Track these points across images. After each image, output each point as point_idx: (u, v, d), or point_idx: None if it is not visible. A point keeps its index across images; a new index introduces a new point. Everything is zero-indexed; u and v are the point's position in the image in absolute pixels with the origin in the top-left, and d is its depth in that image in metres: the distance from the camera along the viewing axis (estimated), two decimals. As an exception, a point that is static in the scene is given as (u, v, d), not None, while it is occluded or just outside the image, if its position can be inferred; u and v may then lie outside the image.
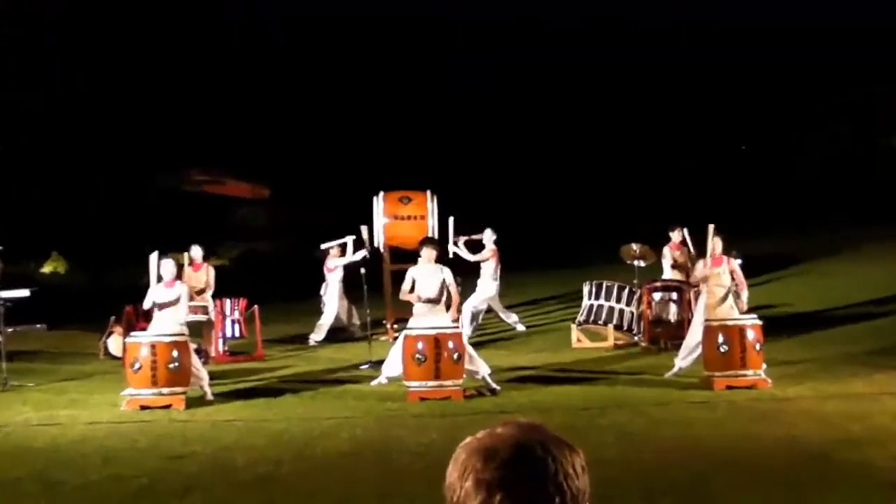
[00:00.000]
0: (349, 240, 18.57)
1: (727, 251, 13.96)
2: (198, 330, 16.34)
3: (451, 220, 18.46)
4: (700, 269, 13.82)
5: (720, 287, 13.61)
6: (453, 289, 13.47)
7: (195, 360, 13.14)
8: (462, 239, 18.55)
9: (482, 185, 30.72)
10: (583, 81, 33.38)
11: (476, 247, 18.67)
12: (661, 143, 33.39)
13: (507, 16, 33.56)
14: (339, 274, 18.77)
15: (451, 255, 17.92)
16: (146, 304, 13.46)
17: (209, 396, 13.13)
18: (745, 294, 13.80)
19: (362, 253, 18.27)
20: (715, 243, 13.74)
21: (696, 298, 14.83)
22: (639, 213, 29.21)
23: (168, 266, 13.34)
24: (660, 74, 33.27)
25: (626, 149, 33.49)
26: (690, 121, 33.31)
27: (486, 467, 1.93)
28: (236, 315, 17.83)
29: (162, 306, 13.18)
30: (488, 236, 18.58)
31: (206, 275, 17.22)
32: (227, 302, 17.81)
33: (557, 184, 32.97)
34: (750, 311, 14.10)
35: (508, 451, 1.95)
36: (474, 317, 18.32)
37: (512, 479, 1.92)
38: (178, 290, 13.31)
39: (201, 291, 16.71)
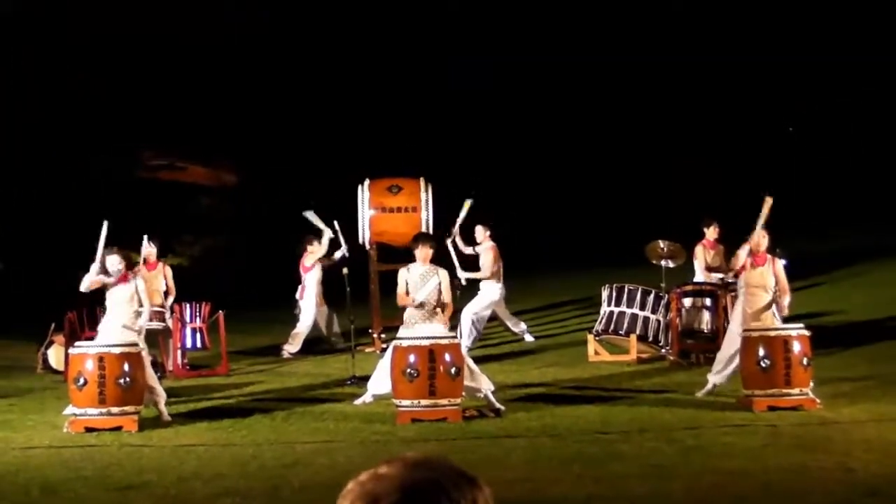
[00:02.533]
0: (327, 234, 18.46)
1: (771, 250, 13.96)
2: (153, 340, 16.31)
3: (468, 202, 18.38)
4: (741, 260, 13.77)
5: (762, 290, 13.60)
6: (447, 295, 13.46)
7: (150, 376, 13.11)
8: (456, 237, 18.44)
9: (484, 180, 30.99)
10: (585, 81, 34.21)
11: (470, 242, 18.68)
12: (680, 138, 33.83)
13: (508, 16, 34.57)
14: (318, 274, 18.72)
15: (450, 240, 17.97)
16: (85, 284, 13.22)
17: (166, 417, 13.11)
18: (787, 299, 13.81)
19: (327, 235, 18.25)
20: (760, 237, 13.73)
21: (733, 304, 14.82)
22: (664, 206, 29.24)
23: (115, 262, 13.22)
24: (662, 73, 34.01)
25: (637, 145, 33.97)
26: (704, 117, 33.85)
27: None
28: (198, 322, 17.79)
29: (112, 309, 13.09)
30: (481, 234, 18.52)
31: (162, 276, 17.19)
32: (187, 307, 17.76)
33: (570, 180, 33.39)
34: (797, 318, 14.10)
35: (393, 494, 1.95)
36: (475, 325, 18.30)
37: None
38: (132, 284, 13.23)
39: (164, 297, 16.72)
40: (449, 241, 18.02)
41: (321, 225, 18.48)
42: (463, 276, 18.03)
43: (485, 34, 34.45)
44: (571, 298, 23.17)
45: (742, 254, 13.86)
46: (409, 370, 12.63)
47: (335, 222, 18.28)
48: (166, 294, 17.12)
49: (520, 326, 19.28)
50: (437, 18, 34.66)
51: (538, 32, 34.69)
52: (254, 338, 20.40)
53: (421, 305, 13.30)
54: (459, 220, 18.39)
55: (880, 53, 31.90)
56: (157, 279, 17.01)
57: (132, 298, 13.19)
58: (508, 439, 11.49)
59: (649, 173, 33.21)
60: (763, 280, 13.66)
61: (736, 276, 14.22)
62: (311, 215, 18.46)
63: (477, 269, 18.31)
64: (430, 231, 17.95)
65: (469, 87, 34.08)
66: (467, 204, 18.46)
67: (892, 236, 25.67)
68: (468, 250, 18.51)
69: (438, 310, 13.36)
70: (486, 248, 18.41)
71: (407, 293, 13.38)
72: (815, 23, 33.10)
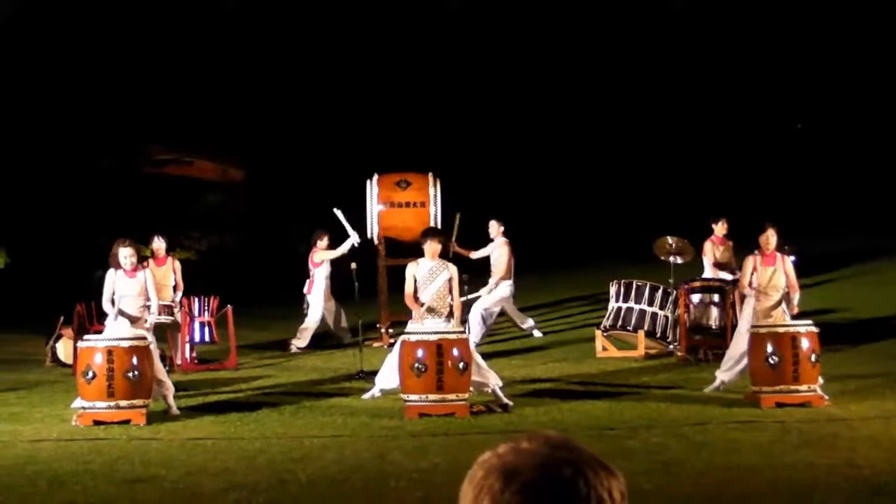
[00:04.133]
0: (350, 240, 18.40)
1: (780, 247, 13.94)
2: (161, 333, 16.32)
3: (458, 217, 18.39)
4: (748, 277, 13.76)
5: (773, 290, 13.58)
6: (456, 293, 13.46)
7: (160, 369, 13.12)
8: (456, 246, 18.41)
9: (492, 172, 30.89)
10: (593, 74, 34.14)
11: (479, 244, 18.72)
12: (695, 131, 33.73)
13: (512, 11, 34.63)
14: (326, 270, 18.75)
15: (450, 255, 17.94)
16: (106, 303, 13.27)
17: (174, 411, 13.12)
18: (797, 296, 13.79)
19: (351, 241, 18.25)
20: (768, 237, 13.71)
21: (742, 301, 14.82)
22: (672, 203, 29.19)
23: (126, 254, 13.22)
24: (670, 67, 33.95)
25: (652, 137, 33.84)
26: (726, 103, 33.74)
27: (506, 489, 1.93)
28: (206, 317, 17.81)
29: (122, 312, 13.05)
30: (494, 229, 18.56)
31: (171, 271, 17.18)
32: (196, 301, 17.78)
33: (577, 172, 33.29)
34: (805, 315, 14.07)
35: (532, 471, 1.94)
36: (484, 321, 18.30)
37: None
38: (141, 278, 13.24)
39: (173, 290, 16.72)
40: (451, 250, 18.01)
41: (348, 229, 18.38)
42: (476, 255, 18.17)
43: (488, 28, 34.43)
44: (579, 294, 23.15)
45: (747, 269, 13.84)
46: (417, 365, 12.64)
47: (336, 211, 18.25)
48: (175, 288, 17.13)
49: (527, 323, 19.28)
50: (438, 15, 34.66)
51: (541, 27, 34.66)
52: (262, 332, 20.41)
53: (431, 309, 13.30)
54: (454, 236, 18.33)
55: (888, 47, 31.85)
56: (166, 274, 17.01)
57: (140, 293, 13.19)
58: (516, 434, 11.44)
59: (657, 169, 33.14)
60: (774, 280, 13.64)
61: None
62: (339, 214, 18.35)
63: (488, 266, 18.34)
64: (439, 226, 17.96)
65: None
66: (457, 218, 18.46)
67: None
68: (476, 255, 18.54)
69: (447, 307, 13.34)
70: (499, 244, 18.42)
71: (415, 289, 13.38)
72: (822, 17, 33.03)
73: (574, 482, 1.92)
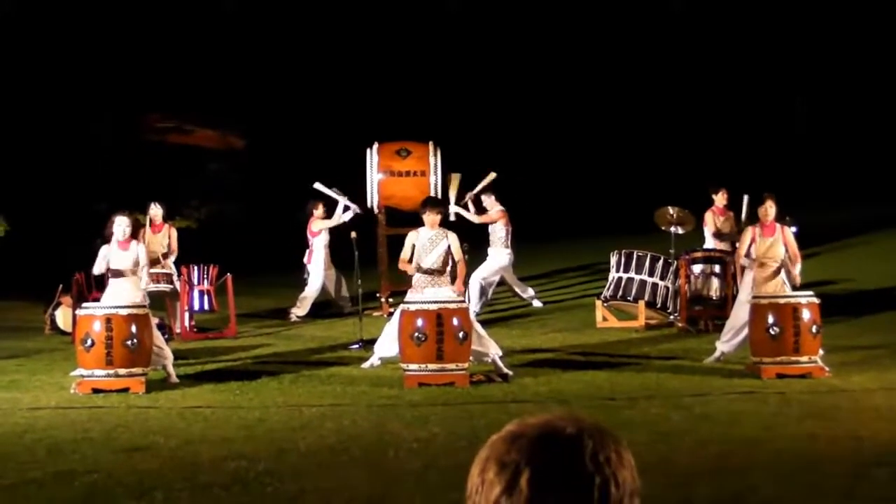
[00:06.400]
0: (341, 202, 18.39)
1: (780, 218, 13.88)
2: (160, 302, 16.31)
3: (457, 176, 18.37)
4: (745, 255, 13.73)
5: (772, 260, 13.55)
6: (459, 257, 13.43)
7: (157, 337, 13.09)
8: (470, 195, 18.41)
9: (493, 142, 30.85)
10: (594, 47, 34.06)
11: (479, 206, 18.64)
12: (700, 99, 33.65)
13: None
14: (325, 239, 18.68)
15: (452, 218, 17.85)
16: (97, 269, 13.34)
17: (173, 379, 13.10)
18: (798, 267, 13.73)
19: (349, 212, 18.18)
20: (767, 209, 13.66)
21: (743, 271, 14.77)
22: (674, 173, 29.14)
23: (122, 223, 13.23)
24: (670, 34, 33.84)
25: (654, 107, 33.77)
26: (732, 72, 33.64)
27: (511, 449, 1.94)
28: (205, 285, 17.77)
29: (116, 273, 13.11)
30: (490, 199, 18.48)
31: (167, 237, 17.15)
32: (195, 270, 17.75)
33: (579, 141, 33.24)
34: (806, 287, 14.02)
35: (536, 431, 1.95)
36: (483, 290, 18.27)
37: (541, 456, 1.91)
38: (134, 251, 13.23)
39: (163, 257, 16.64)
40: (453, 213, 17.94)
41: (336, 196, 18.32)
42: (475, 219, 18.03)
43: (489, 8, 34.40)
44: (580, 264, 23.12)
45: (745, 240, 13.80)
46: (416, 334, 12.60)
47: (317, 186, 18.16)
48: (167, 255, 17.03)
49: (528, 292, 19.25)
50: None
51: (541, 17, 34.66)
52: (262, 301, 20.38)
53: (429, 272, 13.27)
54: (453, 197, 18.30)
55: (887, 17, 31.77)
56: (162, 241, 16.99)
57: (134, 265, 13.20)
58: (515, 404, 11.45)
59: (658, 139, 33.09)
60: (773, 251, 13.59)
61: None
62: (321, 187, 18.29)
63: (487, 236, 18.28)
64: (439, 195, 17.90)
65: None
66: (456, 179, 18.43)
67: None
68: (473, 218, 18.39)
69: (446, 276, 13.31)
70: (495, 213, 18.34)
71: (412, 258, 13.35)
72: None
73: (578, 437, 1.93)
